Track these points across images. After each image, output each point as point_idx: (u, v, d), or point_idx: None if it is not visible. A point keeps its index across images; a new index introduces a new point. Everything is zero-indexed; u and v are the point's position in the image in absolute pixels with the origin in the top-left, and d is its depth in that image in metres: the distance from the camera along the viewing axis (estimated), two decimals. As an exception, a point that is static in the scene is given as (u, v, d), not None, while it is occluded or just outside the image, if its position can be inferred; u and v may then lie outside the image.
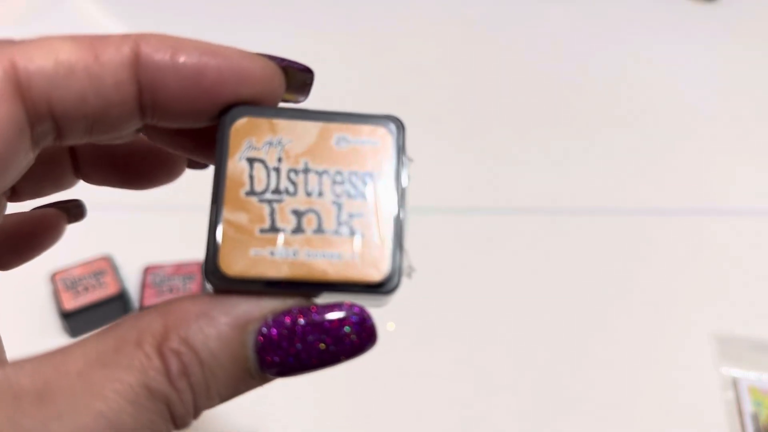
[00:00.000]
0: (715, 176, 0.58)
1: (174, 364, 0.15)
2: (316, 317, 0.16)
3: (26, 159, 0.16)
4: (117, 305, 0.43)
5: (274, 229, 0.16)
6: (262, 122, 0.17)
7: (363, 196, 0.17)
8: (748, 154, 0.61)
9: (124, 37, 0.16)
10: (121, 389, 0.15)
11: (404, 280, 0.17)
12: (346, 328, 0.16)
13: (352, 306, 0.17)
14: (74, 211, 0.24)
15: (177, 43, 0.16)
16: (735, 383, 0.44)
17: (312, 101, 0.64)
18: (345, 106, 0.63)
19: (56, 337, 0.44)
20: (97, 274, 0.45)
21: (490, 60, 0.68)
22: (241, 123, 0.17)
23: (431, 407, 0.43)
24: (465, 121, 0.62)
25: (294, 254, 0.16)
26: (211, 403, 0.16)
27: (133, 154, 0.22)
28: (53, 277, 0.45)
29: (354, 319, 0.16)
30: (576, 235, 0.53)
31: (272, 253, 0.16)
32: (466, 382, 0.45)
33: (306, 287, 0.16)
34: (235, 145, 0.17)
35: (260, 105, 0.17)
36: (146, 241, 0.50)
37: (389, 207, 0.17)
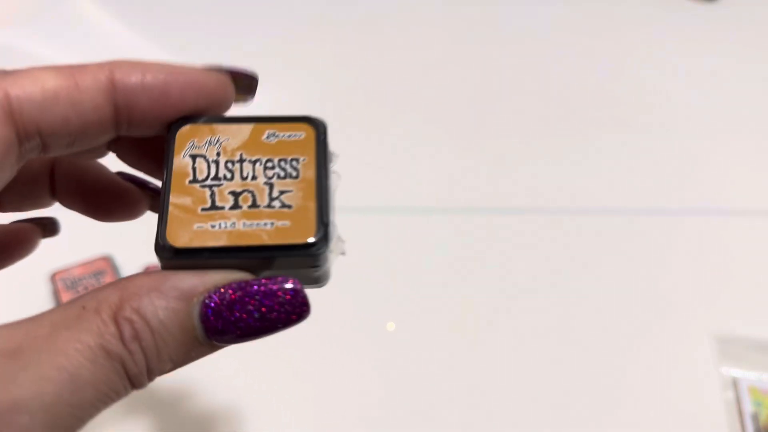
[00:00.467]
0: (715, 176, 0.58)
1: (127, 330, 0.18)
2: (254, 289, 0.19)
3: (12, 171, 0.19)
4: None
5: (214, 207, 0.19)
6: (203, 127, 0.20)
7: (291, 176, 0.20)
8: (749, 154, 0.61)
9: (100, 66, 0.20)
10: (81, 348, 0.17)
11: (339, 258, 0.20)
12: (281, 298, 0.19)
13: (286, 279, 0.19)
14: (49, 227, 0.27)
15: (145, 67, 0.20)
16: (735, 383, 0.44)
17: (312, 100, 0.64)
18: (345, 106, 0.63)
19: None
20: (97, 274, 0.45)
21: (490, 60, 0.68)
22: (185, 129, 0.20)
23: (431, 407, 0.43)
24: (465, 121, 0.62)
25: (232, 225, 0.19)
26: (164, 366, 0.19)
27: (101, 189, 0.25)
28: (53, 277, 0.45)
29: (288, 289, 0.19)
30: (576, 235, 0.53)
31: (213, 226, 0.19)
32: (466, 382, 0.45)
33: (244, 252, 0.19)
34: (180, 146, 0.20)
35: (205, 115, 0.21)
36: (146, 242, 0.50)
37: (315, 183, 0.20)
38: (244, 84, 0.22)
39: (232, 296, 0.19)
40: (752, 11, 0.75)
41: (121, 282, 0.19)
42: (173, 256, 0.19)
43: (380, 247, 0.52)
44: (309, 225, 0.19)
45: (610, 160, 0.59)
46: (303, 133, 0.21)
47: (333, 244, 0.20)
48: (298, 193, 0.20)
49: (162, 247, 0.19)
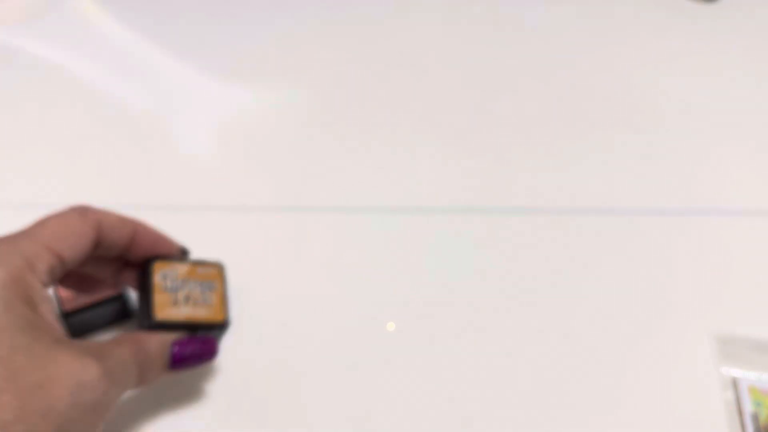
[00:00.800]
0: (716, 176, 0.58)
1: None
2: (193, 340, 0.38)
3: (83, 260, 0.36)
4: (117, 306, 0.43)
5: (175, 301, 0.38)
6: (165, 263, 0.39)
7: (212, 288, 0.39)
8: (748, 154, 0.61)
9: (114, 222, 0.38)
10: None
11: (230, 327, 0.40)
12: (203, 345, 0.38)
13: (207, 337, 0.39)
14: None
15: (125, 227, 0.38)
16: (735, 383, 0.44)
17: (312, 100, 0.63)
18: (344, 105, 0.63)
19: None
20: (97, 275, 0.45)
21: (490, 60, 0.68)
22: (157, 262, 0.39)
23: (431, 407, 0.43)
24: (465, 121, 0.62)
25: (185, 309, 0.38)
26: (151, 375, 0.36)
27: (78, 279, 0.41)
28: (53, 278, 0.45)
29: (208, 341, 0.39)
30: (576, 235, 0.54)
31: (176, 311, 0.38)
32: (465, 382, 0.45)
33: (192, 323, 0.38)
34: (155, 272, 0.39)
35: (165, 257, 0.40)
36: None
37: (222, 291, 0.40)
38: (183, 251, 0.41)
39: (184, 344, 0.37)
40: (752, 11, 0.75)
41: (136, 335, 0.36)
42: (156, 326, 0.37)
43: (380, 247, 0.52)
44: (221, 312, 0.39)
45: (611, 160, 0.59)
46: (215, 270, 0.40)
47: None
48: (215, 295, 0.39)
49: (152, 320, 0.37)
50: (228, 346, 0.42)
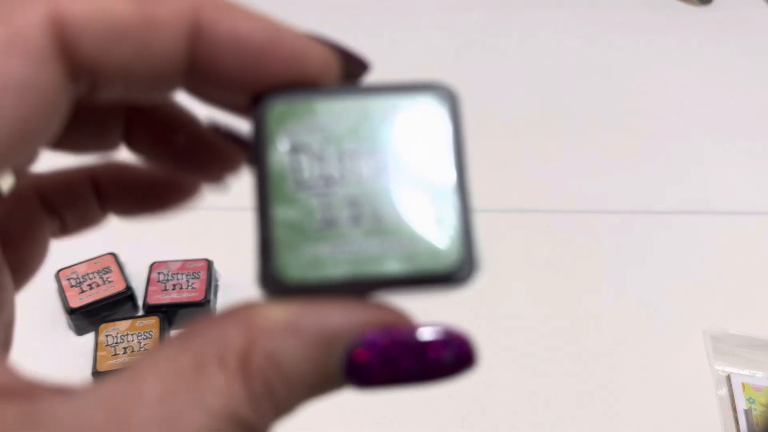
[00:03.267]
0: (710, 176, 0.59)
1: (258, 386, 0.14)
2: (413, 341, 0.15)
3: (61, 123, 0.15)
4: (122, 302, 0.44)
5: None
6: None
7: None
8: (743, 155, 0.61)
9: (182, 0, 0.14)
10: (206, 421, 0.13)
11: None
12: (446, 358, 0.15)
13: (450, 330, 0.16)
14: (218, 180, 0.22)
15: (241, 17, 0.15)
16: (728, 380, 0.45)
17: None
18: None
19: (62, 335, 0.45)
20: (102, 272, 0.45)
21: (490, 63, 0.68)
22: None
23: (430, 406, 0.44)
24: (465, 121, 0.62)
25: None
26: (289, 415, 0.15)
27: (189, 140, 0.19)
28: (58, 275, 0.45)
29: (455, 346, 0.16)
30: (572, 234, 0.54)
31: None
32: (465, 381, 0.45)
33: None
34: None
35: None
36: (151, 239, 0.51)
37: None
38: (353, 71, 0.17)
39: (386, 349, 0.15)
40: (746, 13, 0.76)
41: (244, 314, 0.14)
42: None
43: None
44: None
45: (607, 161, 0.60)
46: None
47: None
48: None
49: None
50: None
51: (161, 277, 0.46)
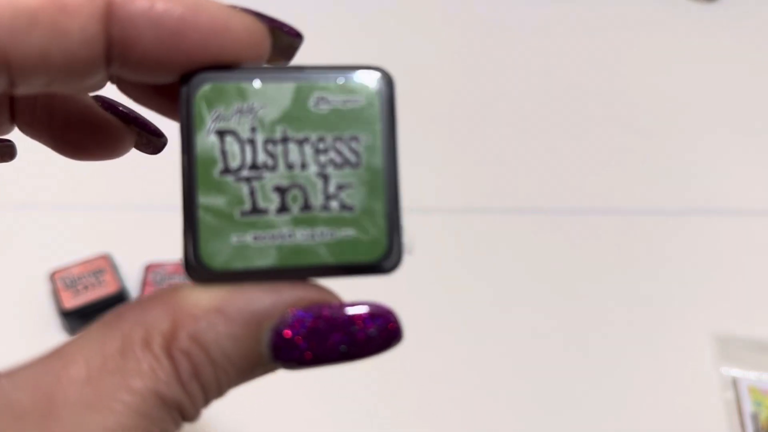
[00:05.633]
0: (715, 176, 0.58)
1: (184, 367, 0.14)
2: (337, 317, 0.15)
3: None
4: (117, 304, 0.43)
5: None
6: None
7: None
8: (748, 154, 0.61)
9: None
10: (131, 401, 0.13)
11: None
12: (371, 331, 0.15)
13: (376, 306, 0.16)
14: (4, 150, 0.22)
15: None
16: (735, 383, 0.44)
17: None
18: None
19: (56, 336, 0.44)
20: (97, 273, 0.45)
21: (490, 60, 0.68)
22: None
23: (431, 407, 0.43)
24: (465, 121, 0.62)
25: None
26: (221, 396, 0.16)
27: (73, 119, 0.19)
28: (53, 276, 0.45)
29: (379, 321, 0.16)
30: (575, 235, 0.53)
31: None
32: (465, 382, 0.45)
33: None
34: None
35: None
36: (145, 240, 0.50)
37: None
38: (284, 44, 0.17)
39: (312, 325, 0.15)
40: (752, 11, 0.75)
41: (169, 297, 0.15)
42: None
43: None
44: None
45: (610, 160, 0.59)
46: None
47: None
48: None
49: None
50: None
51: (157, 278, 0.45)
